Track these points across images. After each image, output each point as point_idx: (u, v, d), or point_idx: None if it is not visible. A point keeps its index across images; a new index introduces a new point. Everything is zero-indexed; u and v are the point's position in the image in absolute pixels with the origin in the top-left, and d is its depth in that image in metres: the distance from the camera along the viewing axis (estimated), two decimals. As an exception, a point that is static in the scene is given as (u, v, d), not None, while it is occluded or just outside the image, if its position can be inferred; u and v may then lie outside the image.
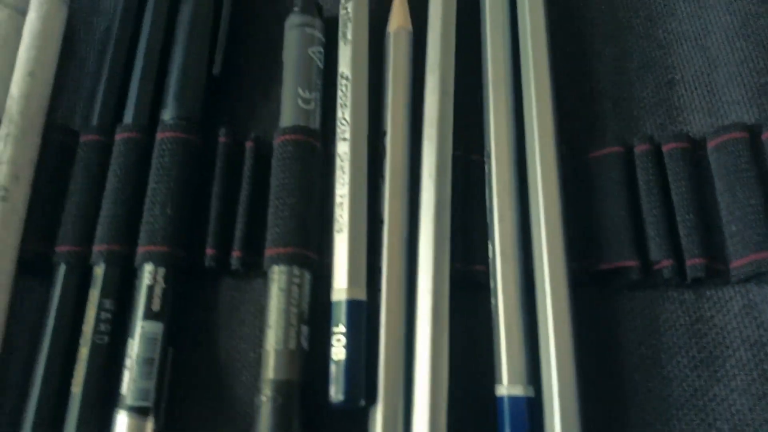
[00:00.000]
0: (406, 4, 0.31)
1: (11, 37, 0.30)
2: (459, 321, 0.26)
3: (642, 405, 0.25)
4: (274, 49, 0.31)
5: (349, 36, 0.29)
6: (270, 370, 0.25)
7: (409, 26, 0.30)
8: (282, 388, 0.24)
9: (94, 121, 0.29)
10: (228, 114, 0.30)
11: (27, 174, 0.28)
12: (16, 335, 0.27)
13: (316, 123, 0.29)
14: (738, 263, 0.25)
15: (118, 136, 0.29)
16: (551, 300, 0.25)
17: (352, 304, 0.25)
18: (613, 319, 0.26)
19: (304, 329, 0.25)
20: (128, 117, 0.29)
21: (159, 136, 0.28)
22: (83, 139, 0.29)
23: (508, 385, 0.25)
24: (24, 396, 0.25)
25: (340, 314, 0.25)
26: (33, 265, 0.27)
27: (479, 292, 0.27)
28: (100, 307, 0.26)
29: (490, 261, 0.27)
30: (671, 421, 0.24)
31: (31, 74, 0.29)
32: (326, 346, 0.25)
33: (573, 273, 0.26)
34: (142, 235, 0.27)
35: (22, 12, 0.31)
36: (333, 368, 0.24)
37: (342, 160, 0.27)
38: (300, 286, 0.26)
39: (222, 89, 0.31)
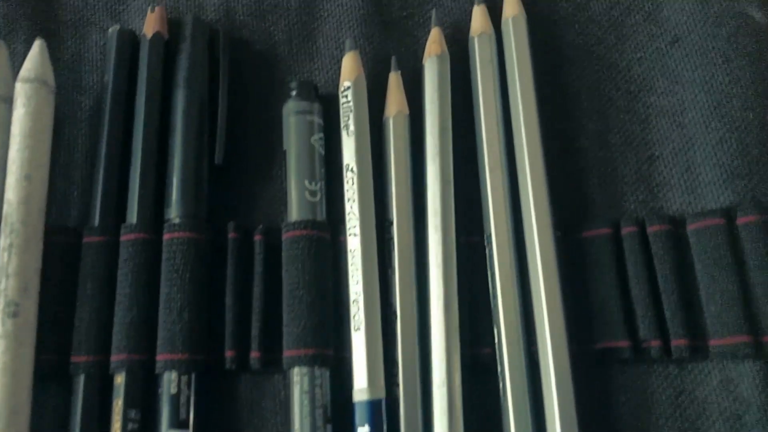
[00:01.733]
0: (402, 89, 0.32)
1: (-2, 129, 0.30)
2: (469, 402, 0.28)
3: (635, 472, 0.28)
4: (273, 130, 0.32)
5: (352, 127, 0.30)
6: (300, 470, 0.26)
7: (406, 110, 0.31)
8: (313, 487, 0.26)
9: (96, 220, 0.29)
10: (232, 200, 0.31)
11: (35, 284, 0.28)
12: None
13: (323, 214, 0.30)
14: (716, 342, 0.28)
15: (124, 237, 0.29)
16: (555, 379, 0.28)
17: (374, 405, 0.27)
18: (607, 393, 0.29)
19: (328, 428, 0.27)
20: (131, 216, 0.29)
21: (166, 236, 0.29)
22: (87, 240, 0.29)
23: (518, 463, 0.27)
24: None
25: (363, 414, 0.27)
26: (50, 376, 0.28)
27: (487, 374, 0.29)
28: (126, 417, 0.27)
29: (496, 344, 0.29)
30: (661, 487, 0.28)
31: (28, 177, 0.28)
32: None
33: (573, 353, 0.28)
34: (161, 342, 0.28)
35: (8, 100, 0.30)
36: (360, 465, 0.26)
37: (354, 257, 0.29)
38: (322, 386, 0.27)
39: (224, 176, 0.31)
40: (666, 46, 0.33)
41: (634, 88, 0.33)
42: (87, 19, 0.34)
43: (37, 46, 0.30)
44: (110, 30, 0.32)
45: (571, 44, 0.34)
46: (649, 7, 0.34)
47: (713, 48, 0.33)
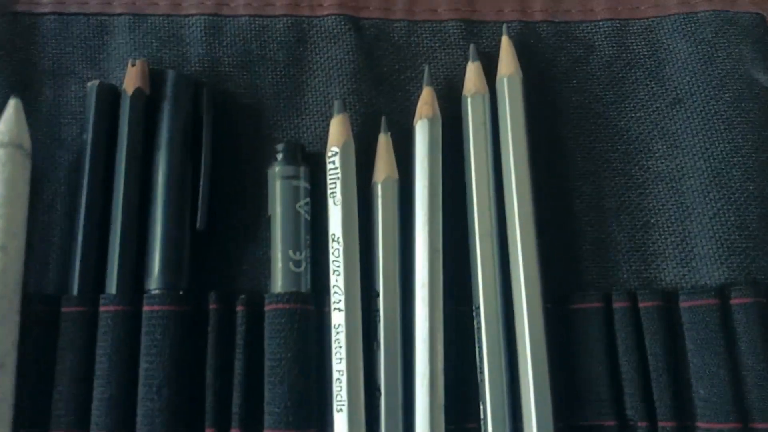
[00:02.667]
0: (391, 153, 0.31)
1: (-30, 191, 0.29)
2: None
3: None
4: (259, 190, 0.31)
5: (339, 195, 0.29)
6: None
7: (396, 175, 0.31)
8: None
9: (74, 289, 0.29)
10: (215, 266, 0.30)
11: (12, 358, 0.27)
12: None
13: (307, 284, 0.29)
14: (704, 425, 0.28)
15: (103, 309, 0.28)
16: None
17: (356, 488, 0.27)
18: (592, 470, 0.29)
19: (311, 507, 0.27)
20: (111, 286, 0.29)
21: (146, 308, 0.28)
22: (65, 310, 0.28)
23: None
24: None
25: (345, 497, 0.27)
26: (28, 452, 0.27)
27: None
28: (105, 495, 0.27)
29: (482, 420, 0.29)
30: None
31: (3, 248, 0.27)
32: None
33: (557, 429, 0.28)
34: (140, 420, 0.27)
35: (-21, 162, 0.29)
36: None
37: (338, 332, 0.28)
38: (304, 466, 0.27)
39: (207, 241, 0.30)
40: (666, 107, 0.33)
41: (632, 149, 0.32)
42: (66, 68, 0.32)
43: (11, 107, 0.29)
44: (89, 84, 0.31)
45: (569, 101, 0.33)
46: (651, 64, 0.33)
47: (715, 112, 0.32)
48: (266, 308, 0.29)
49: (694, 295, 0.29)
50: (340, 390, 0.28)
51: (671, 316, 0.30)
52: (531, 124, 0.31)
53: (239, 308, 0.29)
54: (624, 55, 0.33)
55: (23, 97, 0.30)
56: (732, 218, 0.30)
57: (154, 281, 0.29)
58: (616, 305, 0.30)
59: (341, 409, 0.27)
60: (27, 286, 0.29)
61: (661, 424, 0.28)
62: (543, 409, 0.28)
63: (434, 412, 0.28)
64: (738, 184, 0.31)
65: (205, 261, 0.30)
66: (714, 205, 0.31)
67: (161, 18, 0.33)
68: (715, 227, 0.30)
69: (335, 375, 0.28)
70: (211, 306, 0.29)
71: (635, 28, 0.34)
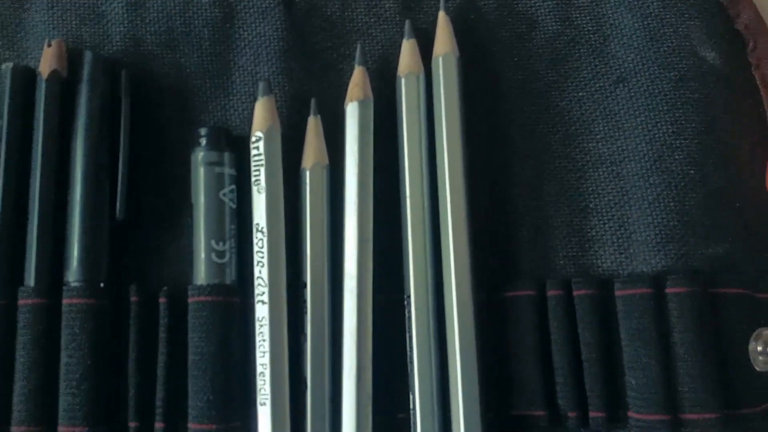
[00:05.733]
0: (321, 136, 0.30)
1: None
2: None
3: None
4: (182, 178, 0.30)
5: (263, 183, 0.29)
6: None
7: (326, 160, 0.30)
8: None
9: (-10, 282, 0.29)
10: (136, 258, 0.30)
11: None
12: None
13: (232, 275, 0.29)
14: (635, 415, 0.28)
15: (22, 302, 0.28)
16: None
17: (278, 481, 0.27)
18: (522, 458, 0.30)
19: (233, 500, 0.27)
20: (29, 279, 0.29)
21: (65, 301, 0.28)
22: (-19, 303, 0.28)
23: None
24: None
25: (267, 491, 0.27)
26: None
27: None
28: (25, 490, 0.27)
29: (411, 411, 0.29)
30: None
31: None
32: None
33: (487, 420, 0.28)
34: (61, 414, 0.28)
35: None
36: None
37: (261, 326, 0.28)
38: (226, 459, 0.27)
39: (126, 231, 0.30)
40: (610, 86, 0.32)
41: (573, 131, 0.32)
42: (-21, 47, 0.32)
43: None
44: (3, 66, 0.30)
45: (509, 80, 0.33)
46: (595, 41, 0.32)
47: (660, 92, 0.31)
48: (189, 301, 0.29)
49: (629, 283, 0.29)
50: (264, 383, 0.28)
51: (606, 304, 0.30)
52: (468, 105, 0.31)
53: (161, 300, 0.29)
54: (568, 30, 0.33)
55: (-67, 79, 0.30)
56: (672, 204, 0.30)
57: (72, 273, 0.28)
58: (550, 293, 0.30)
59: (264, 403, 0.28)
60: (-58, 278, 0.29)
61: (591, 414, 0.29)
62: (470, 399, 0.28)
63: (361, 404, 0.28)
64: (680, 168, 0.30)
65: (126, 253, 0.30)
66: (654, 189, 0.30)
67: (80, -7, 0.32)
68: (654, 213, 0.30)
69: (259, 369, 0.28)
70: (132, 298, 0.29)
71: (580, 2, 0.33)
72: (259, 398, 0.28)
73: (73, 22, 0.32)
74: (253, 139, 0.30)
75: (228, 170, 0.30)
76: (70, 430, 0.27)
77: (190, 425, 0.28)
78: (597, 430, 0.29)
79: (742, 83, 0.33)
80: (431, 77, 0.31)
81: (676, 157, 0.31)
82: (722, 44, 0.32)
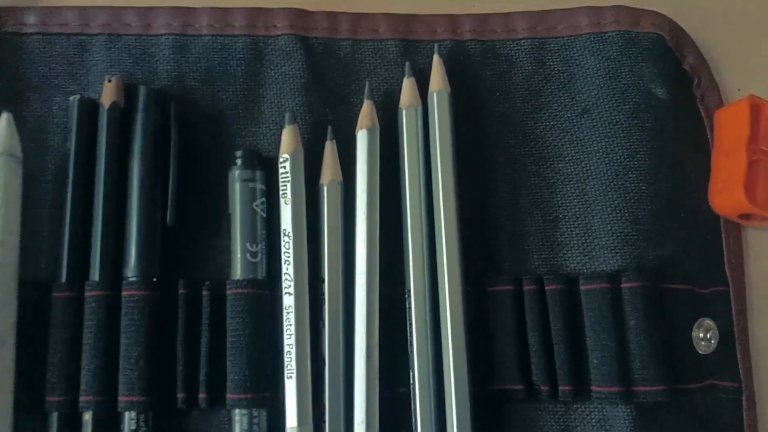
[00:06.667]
0: (336, 158, 0.37)
1: (-30, 194, 0.34)
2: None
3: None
4: (220, 191, 0.37)
5: (289, 196, 0.35)
6: (239, 495, 0.33)
7: (340, 177, 0.36)
8: None
9: (63, 277, 0.34)
10: (183, 256, 0.36)
11: (11, 336, 0.33)
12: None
13: (263, 272, 0.35)
14: (596, 389, 0.34)
15: (88, 293, 0.34)
16: (457, 415, 0.34)
17: (302, 440, 0.33)
18: (502, 427, 0.36)
19: (265, 459, 0.33)
20: (94, 274, 0.35)
21: (125, 293, 0.34)
22: (55, 295, 0.34)
23: (426, 486, 0.34)
24: None
25: (294, 449, 0.33)
26: (29, 414, 0.33)
27: (402, 410, 0.35)
28: (93, 449, 0.33)
29: (411, 385, 0.35)
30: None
31: (2, 243, 0.33)
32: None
33: (473, 393, 0.34)
34: (121, 386, 0.33)
35: (-23, 166, 0.34)
36: (290, 491, 0.33)
37: (288, 313, 0.34)
38: (259, 424, 0.33)
39: (175, 235, 0.36)
40: (576, 117, 0.38)
41: (545, 154, 0.38)
42: (50, 83, 0.38)
43: (4, 120, 0.35)
44: (71, 99, 0.36)
45: (492, 111, 0.39)
46: (563, 78, 0.39)
47: (617, 122, 0.38)
48: (227, 293, 0.35)
49: (591, 279, 0.35)
50: (290, 361, 0.34)
51: (572, 297, 0.36)
52: (458, 132, 0.37)
53: (204, 293, 0.35)
54: (541, 70, 0.39)
55: (13, 109, 0.36)
56: (627, 214, 0.36)
57: (130, 270, 0.34)
58: (526, 288, 0.36)
59: (291, 377, 0.34)
60: (22, 275, 0.34)
61: (560, 388, 0.35)
62: (460, 375, 0.34)
63: (370, 379, 0.34)
64: (633, 184, 0.37)
65: (175, 252, 0.36)
66: (612, 202, 0.37)
67: (134, 37, 0.39)
68: (612, 222, 0.36)
69: (286, 348, 0.34)
70: (180, 291, 0.35)
71: (552, 46, 0.40)
72: (286, 373, 0.34)
73: (128, 62, 0.38)
74: (281, 160, 0.36)
75: (259, 185, 0.36)
76: (129, 399, 0.33)
77: (229, 395, 0.33)
78: (565, 401, 0.35)
79: (688, 113, 0.40)
80: (427, 109, 0.38)
81: (630, 175, 0.37)
82: (670, 82, 0.39)
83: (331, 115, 0.38)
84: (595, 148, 0.38)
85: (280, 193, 0.35)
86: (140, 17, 0.39)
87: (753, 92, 0.38)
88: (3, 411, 0.32)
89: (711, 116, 0.40)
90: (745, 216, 0.37)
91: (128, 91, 0.37)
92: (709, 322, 0.36)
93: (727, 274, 0.37)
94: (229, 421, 0.34)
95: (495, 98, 0.39)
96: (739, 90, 0.40)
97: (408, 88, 0.38)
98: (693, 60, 0.40)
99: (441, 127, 0.37)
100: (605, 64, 0.39)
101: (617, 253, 0.36)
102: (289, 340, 0.34)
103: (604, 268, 0.36)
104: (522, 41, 0.40)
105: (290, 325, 0.34)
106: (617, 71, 0.38)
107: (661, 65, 0.39)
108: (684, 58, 0.40)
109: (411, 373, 0.35)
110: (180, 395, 0.34)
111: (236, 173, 0.36)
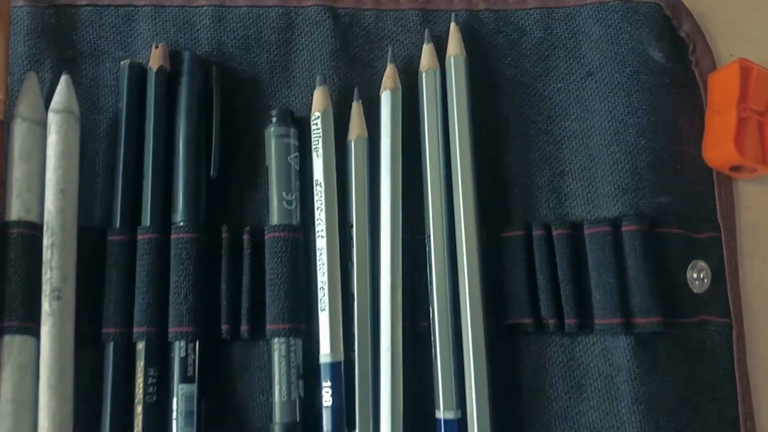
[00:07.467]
0: (362, 117, 0.40)
1: (33, 148, 0.38)
2: (409, 363, 0.38)
3: (533, 417, 0.39)
4: (258, 148, 0.41)
5: (320, 150, 0.39)
6: (278, 415, 0.37)
7: (365, 134, 0.40)
8: (288, 428, 0.36)
9: (117, 222, 0.38)
10: (225, 206, 0.40)
11: (72, 274, 0.37)
12: (79, 399, 0.37)
13: (297, 218, 0.39)
14: (599, 321, 0.38)
15: (140, 237, 0.38)
16: (473, 346, 0.38)
17: (334, 365, 0.37)
18: (514, 357, 0.39)
19: (300, 383, 0.37)
20: (145, 220, 0.38)
21: (174, 236, 0.38)
22: (110, 238, 0.38)
23: (443, 410, 0.37)
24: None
25: (327, 373, 0.37)
26: (87, 345, 0.37)
27: (423, 342, 0.39)
28: (146, 374, 0.37)
29: (431, 319, 0.39)
30: (551, 428, 0.38)
31: (63, 191, 0.37)
32: (315, 391, 0.37)
33: (488, 326, 0.38)
34: (171, 318, 0.37)
35: (40, 123, 0.38)
36: (324, 411, 0.37)
37: (321, 254, 0.38)
38: (295, 351, 0.37)
39: (218, 186, 0.40)
40: (581, 79, 0.42)
41: (553, 113, 0.42)
42: (101, 49, 0.42)
43: (63, 81, 0.39)
44: (122, 63, 0.40)
45: (504, 75, 0.43)
46: (570, 44, 0.43)
47: (618, 83, 0.41)
48: (266, 237, 0.39)
49: (594, 224, 0.39)
50: (323, 295, 0.38)
51: (577, 241, 0.40)
52: (473, 94, 0.41)
53: (245, 237, 0.39)
54: (549, 37, 0.43)
55: (68, 73, 0.40)
56: (627, 166, 0.40)
57: (179, 215, 0.38)
58: (535, 233, 0.40)
59: (324, 309, 0.37)
60: (79, 222, 0.38)
61: (566, 321, 0.38)
62: (476, 310, 0.38)
63: (395, 313, 0.38)
64: (633, 139, 0.40)
65: (218, 202, 0.40)
66: (614, 156, 0.40)
67: (176, 8, 0.43)
68: (613, 173, 0.40)
69: (319, 284, 0.38)
70: (224, 235, 0.39)
71: (559, 15, 0.43)
72: (320, 306, 0.38)
73: (172, 30, 0.42)
74: (313, 117, 0.40)
75: (293, 141, 0.40)
76: (179, 329, 0.37)
77: (269, 326, 0.37)
78: (570, 333, 0.38)
79: (683, 77, 0.43)
80: (445, 73, 0.41)
81: (630, 131, 0.41)
82: (667, 47, 0.43)
83: (358, 79, 0.42)
84: (598, 107, 0.41)
85: (313, 147, 0.39)
86: (182, -10, 0.43)
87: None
88: (66, 341, 0.36)
89: (705, 80, 0.43)
90: (736, 168, 0.41)
91: (173, 58, 0.41)
92: (702, 263, 0.40)
93: (719, 221, 0.41)
94: (269, 350, 0.38)
95: (507, 63, 0.43)
96: (731, 56, 0.44)
97: (427, 53, 0.41)
98: (688, 27, 0.44)
99: (458, 88, 0.41)
100: (607, 31, 0.42)
101: (618, 201, 0.40)
102: (322, 278, 0.38)
103: (606, 215, 0.40)
104: (531, 11, 0.43)
105: (323, 264, 0.38)
106: (618, 37, 0.42)
107: (659, 32, 0.43)
108: (680, 25, 0.44)
109: (431, 309, 0.39)
110: (224, 327, 0.38)
111: (272, 130, 0.40)
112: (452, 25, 0.42)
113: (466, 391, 0.37)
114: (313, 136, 0.40)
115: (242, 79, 0.42)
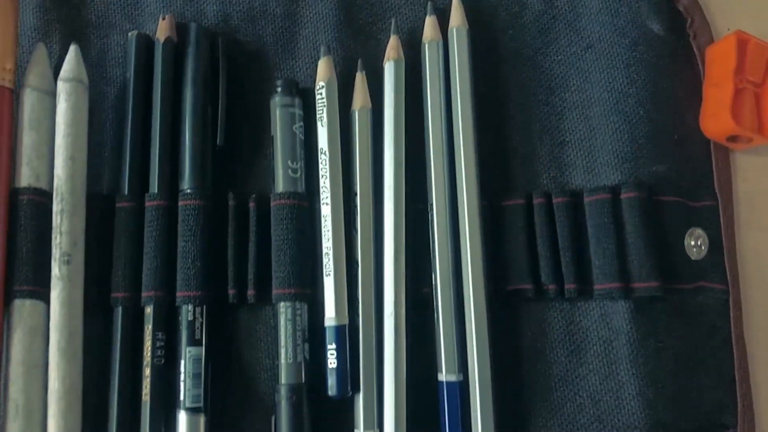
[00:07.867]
0: (366, 87, 0.41)
1: (42, 117, 0.39)
2: (411, 328, 0.39)
3: (533, 381, 0.39)
4: (263, 118, 0.42)
5: (325, 119, 0.40)
6: (284, 376, 0.37)
7: (369, 104, 0.41)
8: (293, 389, 0.37)
9: (125, 189, 0.39)
10: (231, 174, 0.41)
11: (82, 239, 0.38)
12: (89, 362, 0.38)
13: (302, 186, 0.40)
14: (598, 287, 0.39)
15: (148, 204, 0.39)
16: (474, 311, 0.38)
17: (339, 329, 0.38)
18: (515, 322, 0.40)
19: (306, 346, 0.38)
20: (153, 187, 0.39)
21: (181, 203, 0.39)
22: (119, 205, 0.39)
23: (445, 373, 0.38)
24: (100, 404, 0.37)
25: (332, 336, 0.38)
26: (96, 308, 0.38)
27: (425, 308, 0.39)
28: (154, 338, 0.38)
29: (433, 286, 0.39)
30: (552, 391, 0.39)
31: (72, 158, 0.38)
32: (320, 354, 0.38)
33: (489, 292, 0.39)
34: (179, 283, 0.38)
35: (49, 93, 0.39)
36: (329, 373, 0.37)
37: (326, 221, 0.39)
38: (301, 315, 0.38)
39: (224, 155, 0.41)
40: (581, 51, 0.43)
41: (554, 84, 0.43)
42: (109, 21, 0.43)
43: (72, 51, 0.39)
44: (130, 34, 0.41)
45: (506, 47, 0.43)
46: (570, 17, 0.43)
47: (617, 54, 0.42)
48: (272, 204, 0.39)
49: (594, 192, 0.40)
50: (328, 261, 0.38)
51: (577, 209, 0.40)
52: (475, 66, 0.42)
53: (251, 204, 0.40)
54: (549, 10, 0.44)
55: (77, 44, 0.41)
56: (626, 136, 0.41)
57: (186, 183, 0.39)
58: (536, 201, 0.40)
59: (329, 274, 0.38)
60: (89, 188, 0.39)
61: (566, 286, 0.39)
62: (477, 276, 0.39)
63: (398, 278, 0.39)
64: (632, 110, 0.41)
65: (225, 170, 0.41)
66: (613, 126, 0.41)
67: (183, -19, 0.43)
68: (613, 143, 0.41)
69: (324, 250, 0.39)
70: (230, 203, 0.40)
71: (559, -12, 0.44)
72: (325, 271, 0.38)
73: (178, 3, 0.43)
74: (318, 87, 0.40)
75: (297, 111, 0.41)
76: (186, 294, 0.38)
77: (275, 291, 0.38)
78: (570, 298, 0.39)
79: (681, 48, 0.44)
80: (448, 44, 0.42)
81: (629, 102, 0.41)
82: (665, 19, 0.43)
83: (361, 50, 0.43)
84: (598, 79, 0.42)
85: (317, 116, 0.40)
86: (189, -38, 0.44)
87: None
88: (75, 304, 0.37)
89: (703, 53, 0.44)
90: (732, 138, 0.42)
91: (179, 29, 0.42)
92: (700, 231, 0.41)
93: (716, 191, 0.42)
94: (275, 315, 0.39)
95: (509, 35, 0.44)
96: (729, 29, 0.45)
97: (430, 24, 0.42)
98: (686, 1, 0.44)
99: (460, 59, 0.41)
100: (607, 3, 0.43)
101: (617, 169, 0.40)
102: (327, 243, 0.39)
103: (606, 183, 0.40)
104: (532, -16, 0.44)
105: (328, 230, 0.39)
106: (618, 10, 0.43)
107: (657, 5, 0.43)
108: (678, -1, 0.45)
109: (433, 276, 0.39)
110: (231, 291, 0.39)
111: (277, 99, 0.41)
112: (454, -3, 0.43)
113: (468, 354, 0.38)
114: (317, 105, 0.40)
115: (248, 51, 0.43)
